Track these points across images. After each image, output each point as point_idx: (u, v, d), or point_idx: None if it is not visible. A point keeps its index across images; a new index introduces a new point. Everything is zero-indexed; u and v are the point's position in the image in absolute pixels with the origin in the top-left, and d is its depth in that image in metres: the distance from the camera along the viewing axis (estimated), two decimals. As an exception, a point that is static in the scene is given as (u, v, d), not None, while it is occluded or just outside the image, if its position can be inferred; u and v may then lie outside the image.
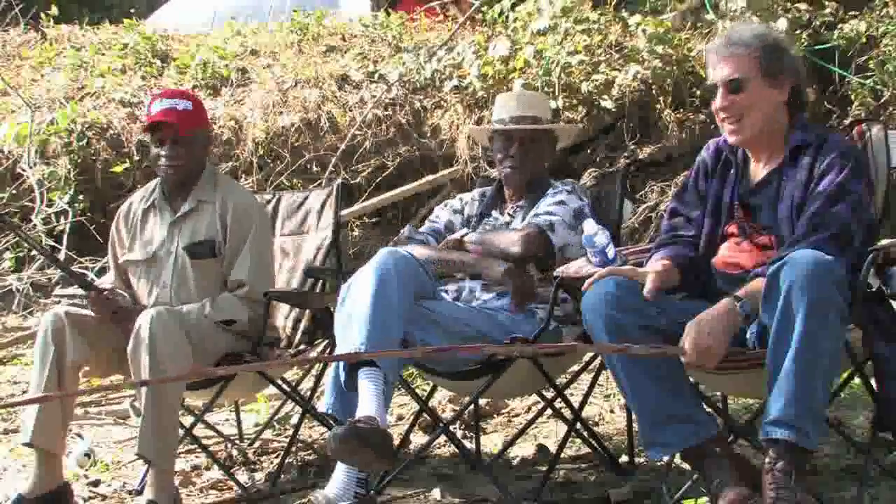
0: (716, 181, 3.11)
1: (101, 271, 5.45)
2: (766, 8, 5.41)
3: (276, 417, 4.38)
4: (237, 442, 4.26)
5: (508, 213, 3.71)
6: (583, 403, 3.64)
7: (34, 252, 6.31)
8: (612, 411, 4.26)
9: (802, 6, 5.54)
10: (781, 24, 5.30)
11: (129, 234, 3.85)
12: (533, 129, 3.68)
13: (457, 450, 3.60)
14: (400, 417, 4.43)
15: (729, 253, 3.05)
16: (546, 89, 5.84)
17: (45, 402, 3.42)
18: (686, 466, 3.17)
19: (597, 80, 5.89)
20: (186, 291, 3.70)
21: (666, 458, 3.17)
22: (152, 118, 3.71)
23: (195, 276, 3.71)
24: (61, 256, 6.08)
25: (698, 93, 5.69)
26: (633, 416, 3.64)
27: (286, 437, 4.18)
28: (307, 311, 4.02)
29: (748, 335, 2.88)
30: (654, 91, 5.84)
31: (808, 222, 2.84)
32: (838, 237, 2.81)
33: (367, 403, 2.95)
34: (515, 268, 3.45)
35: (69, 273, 3.77)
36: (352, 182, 6.12)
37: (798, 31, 5.46)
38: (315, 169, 6.27)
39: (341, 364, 3.08)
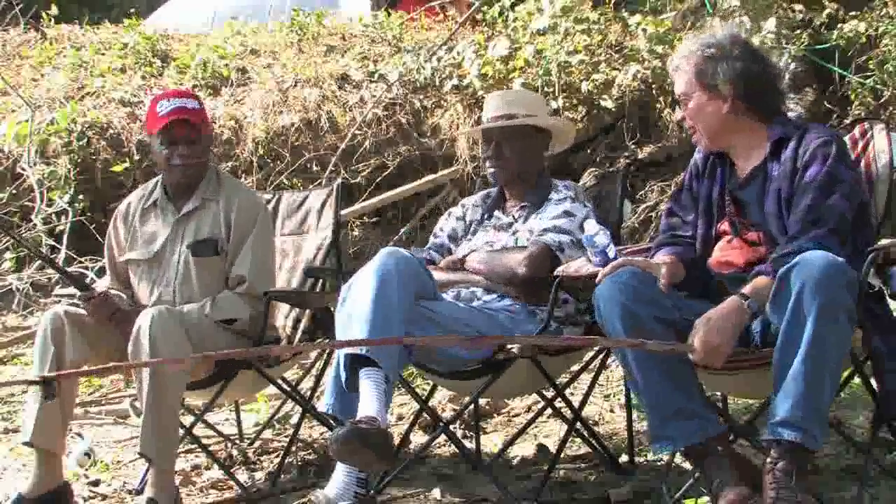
0: (706, 181, 3.14)
1: (101, 271, 5.45)
2: (759, 8, 5.40)
3: (276, 417, 4.38)
4: (237, 441, 4.26)
5: (513, 215, 3.71)
6: (583, 403, 3.64)
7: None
8: (612, 411, 4.26)
9: (798, 6, 5.54)
10: (770, 23, 5.30)
11: (128, 234, 3.84)
12: (502, 126, 3.66)
13: (457, 450, 3.60)
14: (400, 417, 4.43)
15: (721, 252, 3.06)
16: (546, 89, 5.84)
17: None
18: (686, 466, 3.17)
19: (597, 80, 5.89)
20: (189, 290, 3.70)
21: (667, 457, 3.17)
22: (169, 116, 3.65)
23: (198, 275, 3.70)
24: (61, 256, 6.08)
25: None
26: (635, 417, 3.66)
27: (286, 436, 4.18)
28: (307, 311, 4.02)
29: (754, 332, 2.88)
30: (654, 91, 5.84)
31: (803, 217, 2.84)
32: (837, 231, 2.81)
33: (367, 403, 2.95)
34: (523, 286, 3.44)
35: (66, 275, 3.76)
36: (352, 182, 6.12)
37: (798, 31, 5.46)
38: (315, 168, 6.27)
39: (342, 364, 3.08)
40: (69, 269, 5.04)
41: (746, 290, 2.80)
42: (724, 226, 3.07)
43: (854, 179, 2.94)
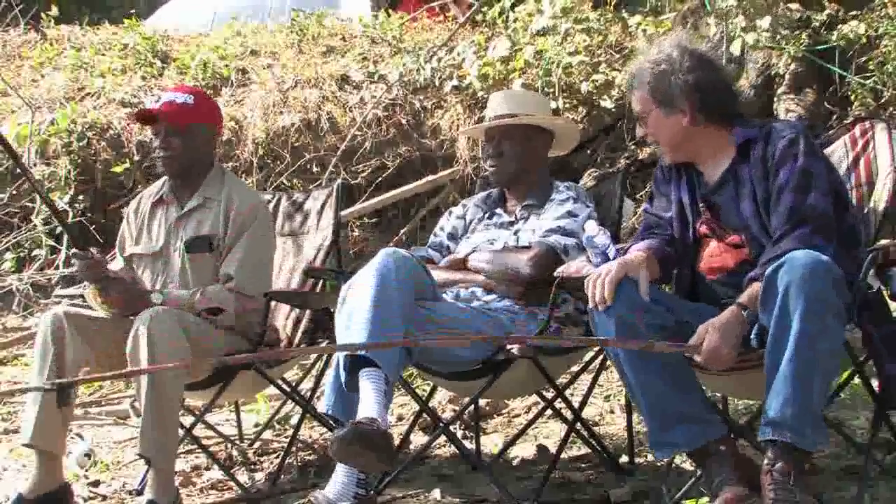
0: (673, 184, 3.14)
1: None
2: (757, 7, 5.39)
3: (276, 417, 4.38)
4: (237, 442, 4.26)
5: (515, 215, 3.70)
6: (583, 403, 3.64)
7: (35, 251, 6.33)
8: (612, 411, 4.26)
9: (794, 5, 5.54)
10: (765, 22, 5.29)
11: (137, 229, 3.86)
12: (503, 125, 3.67)
13: (457, 450, 3.60)
14: (400, 417, 4.43)
15: (711, 258, 3.05)
16: (546, 89, 5.85)
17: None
18: (686, 466, 3.17)
19: (597, 81, 5.90)
20: (186, 286, 3.70)
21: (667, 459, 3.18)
22: (142, 109, 3.75)
23: (193, 271, 3.70)
24: (61, 256, 6.09)
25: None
26: (635, 417, 3.65)
27: (286, 437, 4.18)
28: (307, 312, 4.02)
29: (751, 336, 2.88)
30: (654, 91, 5.84)
31: (786, 219, 2.83)
32: (822, 228, 2.80)
33: (368, 404, 2.95)
34: (527, 287, 3.44)
35: (67, 230, 3.74)
36: (352, 182, 6.12)
37: (798, 31, 5.46)
38: (315, 169, 6.27)
39: (342, 364, 3.08)
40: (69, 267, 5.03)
41: (743, 299, 2.81)
42: (703, 228, 3.07)
43: (827, 169, 2.92)
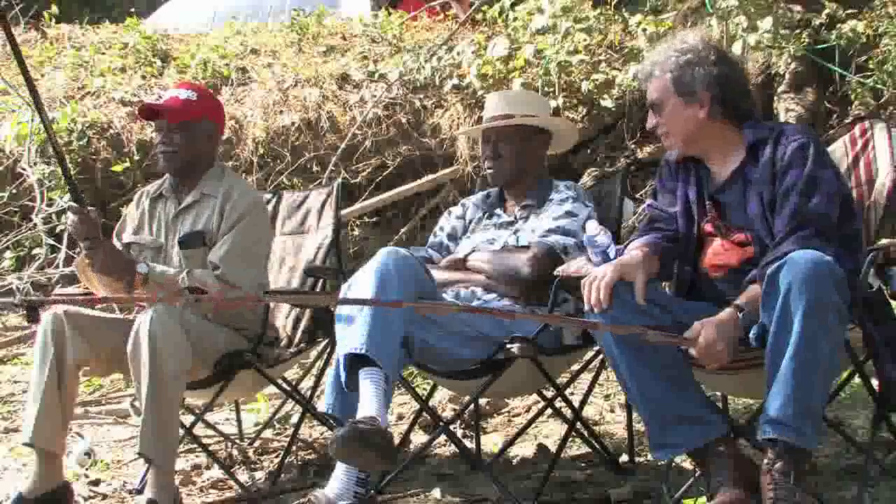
0: (681, 183, 3.13)
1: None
2: (758, 7, 5.39)
3: (276, 417, 4.38)
4: (237, 441, 4.26)
5: (514, 215, 3.70)
6: (583, 403, 3.64)
7: (35, 250, 6.32)
8: (612, 411, 4.26)
9: (796, 7, 5.54)
10: (767, 23, 5.29)
11: (136, 221, 3.87)
12: (499, 126, 3.66)
13: (457, 449, 3.60)
14: (400, 417, 4.43)
15: (714, 256, 3.05)
16: (546, 89, 5.85)
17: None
18: (686, 466, 3.17)
19: (597, 80, 5.90)
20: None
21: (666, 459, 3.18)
22: (146, 104, 3.80)
23: (188, 266, 3.69)
24: (61, 256, 6.09)
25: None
26: (635, 416, 3.65)
27: (286, 436, 4.18)
28: (307, 311, 4.02)
29: (750, 335, 2.88)
30: (654, 91, 5.84)
31: (788, 222, 2.84)
32: (822, 231, 2.81)
33: (368, 403, 2.95)
34: (526, 287, 3.44)
35: (69, 180, 3.75)
36: (352, 182, 6.13)
37: (798, 31, 5.46)
38: (315, 168, 6.27)
39: (342, 364, 3.09)
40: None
41: (741, 299, 2.81)
42: (709, 226, 3.07)
43: (834, 176, 2.93)
